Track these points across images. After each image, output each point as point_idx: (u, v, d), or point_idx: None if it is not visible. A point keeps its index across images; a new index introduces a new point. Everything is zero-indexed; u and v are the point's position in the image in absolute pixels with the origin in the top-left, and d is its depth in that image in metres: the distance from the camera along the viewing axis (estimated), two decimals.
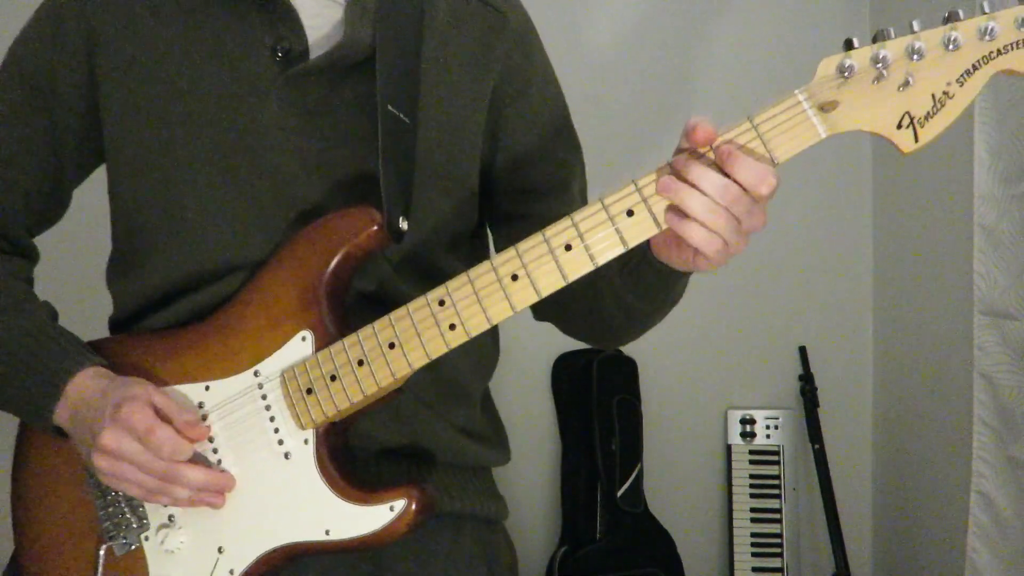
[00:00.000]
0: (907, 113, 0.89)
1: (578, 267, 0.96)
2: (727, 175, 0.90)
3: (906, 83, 0.88)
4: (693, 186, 0.90)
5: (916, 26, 0.88)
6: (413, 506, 0.99)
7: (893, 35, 0.89)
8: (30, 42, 1.18)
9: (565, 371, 2.72)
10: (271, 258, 1.08)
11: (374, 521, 1.00)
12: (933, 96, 0.88)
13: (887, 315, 2.70)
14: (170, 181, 1.11)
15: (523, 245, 0.96)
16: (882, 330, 2.72)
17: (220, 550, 1.05)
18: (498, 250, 1.13)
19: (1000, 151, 1.98)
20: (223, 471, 1.06)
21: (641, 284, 1.05)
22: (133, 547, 1.09)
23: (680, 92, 2.72)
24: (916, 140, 0.89)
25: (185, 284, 1.12)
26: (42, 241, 1.28)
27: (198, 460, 1.05)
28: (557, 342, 2.70)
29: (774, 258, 2.66)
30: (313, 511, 1.02)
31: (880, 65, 0.88)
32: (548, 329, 1.29)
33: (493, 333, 1.26)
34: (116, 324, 1.21)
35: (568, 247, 0.95)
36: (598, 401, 2.63)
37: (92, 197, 1.28)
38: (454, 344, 0.99)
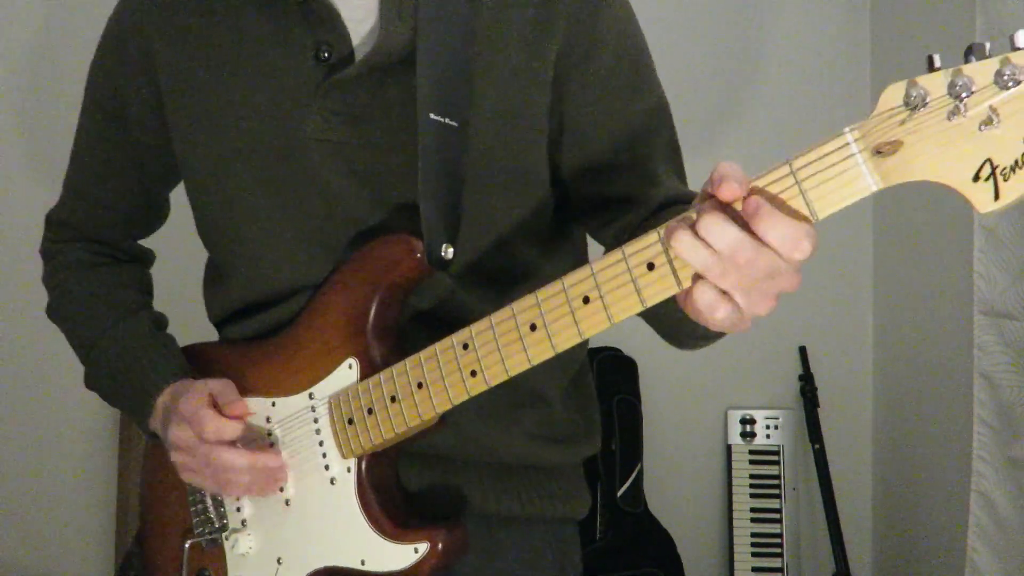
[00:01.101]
0: (988, 161, 0.68)
1: (594, 324, 0.87)
2: (752, 232, 0.75)
3: (990, 120, 0.67)
4: (703, 240, 0.77)
5: (1020, 40, 0.66)
6: (439, 547, 1.00)
7: (988, 51, 0.68)
8: (99, 68, 1.23)
9: None
10: (326, 282, 1.08)
11: (401, 560, 1.01)
12: None
13: (887, 315, 2.70)
14: (228, 202, 1.13)
15: (543, 293, 0.89)
16: (882, 330, 2.72)
17: (279, 561, 1.10)
18: (600, 241, 1.11)
19: None
20: (268, 450, 1.08)
21: (673, 319, 0.94)
22: (215, 544, 1.15)
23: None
24: (997, 197, 0.68)
25: (255, 301, 1.15)
26: (170, 242, 1.38)
27: (252, 446, 1.09)
28: None
29: None
30: (351, 539, 1.04)
31: (959, 96, 0.68)
32: None
33: None
34: (215, 327, 1.27)
35: (586, 300, 0.86)
36: (598, 401, 2.63)
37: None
38: (475, 392, 0.96)
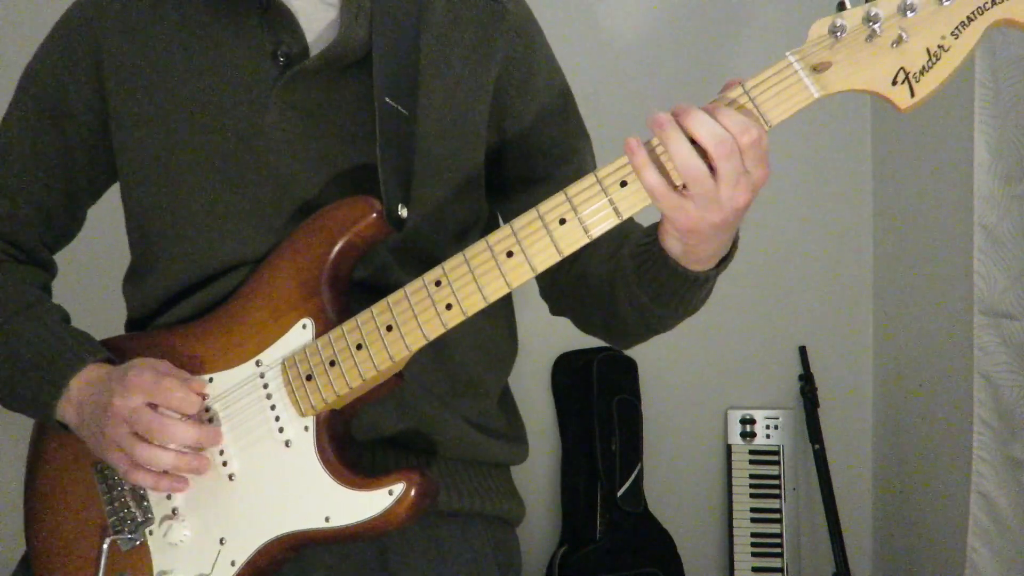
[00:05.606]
0: (902, 69, 0.88)
1: (573, 240, 0.95)
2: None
3: (899, 40, 0.87)
4: (682, 127, 0.89)
5: None
6: (413, 491, 0.98)
7: None
8: (43, 61, 1.21)
9: (565, 371, 2.72)
10: (273, 251, 1.09)
11: (373, 506, 0.99)
12: (928, 51, 0.87)
13: (887, 315, 2.70)
14: (176, 186, 1.13)
15: (518, 222, 0.96)
16: (882, 330, 2.72)
17: (222, 541, 1.06)
18: None
19: (1000, 151, 1.98)
20: (213, 428, 1.06)
21: (656, 284, 1.02)
22: (138, 543, 1.09)
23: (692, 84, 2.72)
24: (912, 95, 0.88)
25: (192, 284, 1.14)
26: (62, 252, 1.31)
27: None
28: (557, 342, 2.70)
29: (774, 258, 2.66)
30: (313, 498, 1.02)
31: (873, 23, 0.88)
32: (549, 328, 1.29)
33: (509, 327, 1.27)
34: (130, 325, 1.24)
35: (562, 221, 0.94)
36: (598, 401, 2.63)
37: (108, 208, 1.31)
38: (451, 324, 0.99)
